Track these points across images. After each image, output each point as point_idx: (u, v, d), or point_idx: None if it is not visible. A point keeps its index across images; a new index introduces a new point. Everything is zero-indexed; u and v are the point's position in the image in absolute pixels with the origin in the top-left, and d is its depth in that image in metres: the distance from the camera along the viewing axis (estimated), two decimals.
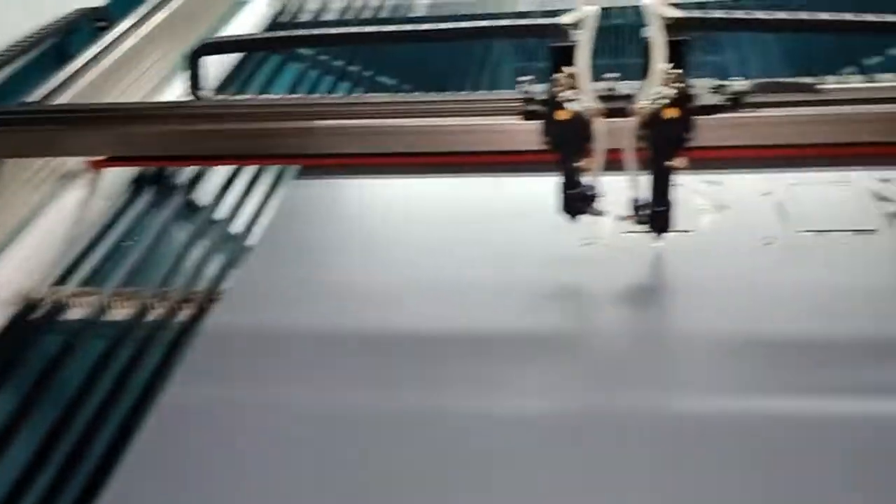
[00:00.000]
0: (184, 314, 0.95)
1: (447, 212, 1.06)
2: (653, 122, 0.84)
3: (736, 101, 0.88)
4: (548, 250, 0.96)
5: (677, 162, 0.86)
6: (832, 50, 1.40)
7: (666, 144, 0.86)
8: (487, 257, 0.97)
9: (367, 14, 1.80)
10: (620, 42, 1.46)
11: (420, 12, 1.82)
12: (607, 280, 0.92)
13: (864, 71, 1.26)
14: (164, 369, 0.87)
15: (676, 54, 0.85)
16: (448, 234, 1.01)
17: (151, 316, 0.96)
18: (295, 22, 1.77)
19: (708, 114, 0.87)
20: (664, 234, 0.92)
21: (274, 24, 1.74)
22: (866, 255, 0.91)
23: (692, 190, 1.03)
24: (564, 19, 0.88)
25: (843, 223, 0.95)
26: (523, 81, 0.90)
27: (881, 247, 0.91)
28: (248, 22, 1.71)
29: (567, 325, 0.88)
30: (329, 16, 1.81)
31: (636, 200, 0.90)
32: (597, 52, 0.84)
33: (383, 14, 1.80)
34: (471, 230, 1.01)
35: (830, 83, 0.92)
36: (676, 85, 0.82)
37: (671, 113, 0.83)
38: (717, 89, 0.89)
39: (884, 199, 0.97)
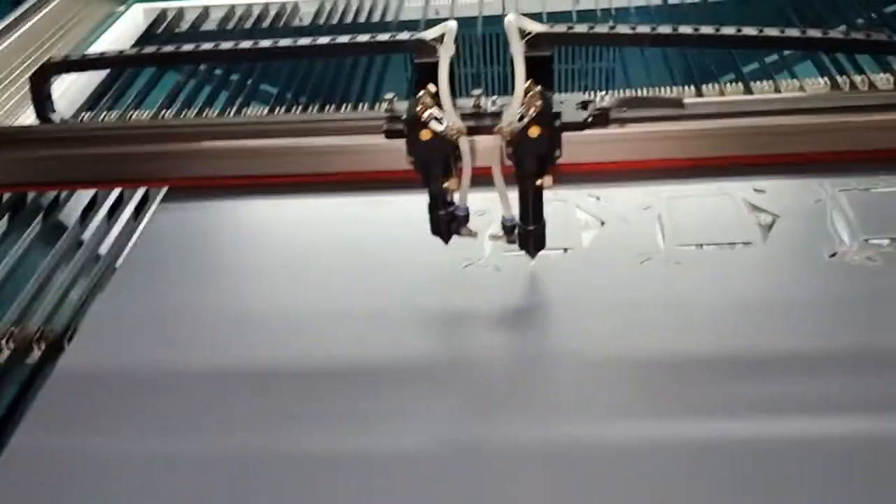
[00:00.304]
0: (36, 352, 0.89)
1: (322, 233, 1.02)
2: (517, 141, 0.82)
3: (601, 118, 0.87)
4: (427, 273, 0.94)
5: (545, 180, 0.85)
6: (720, 56, 1.42)
7: (532, 163, 0.84)
8: (365, 282, 0.94)
9: (247, 23, 1.75)
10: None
11: (307, 19, 1.78)
12: (488, 303, 0.90)
13: (744, 77, 1.28)
14: (14, 414, 0.81)
15: (540, 70, 0.84)
16: (323, 257, 0.98)
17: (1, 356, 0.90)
18: (169, 34, 1.70)
19: (573, 131, 0.86)
20: (541, 254, 0.91)
21: (146, 37, 1.68)
22: (742, 268, 0.91)
23: (574, 205, 1.02)
24: (428, 34, 0.85)
25: (720, 236, 0.96)
26: (388, 99, 0.87)
27: (756, 260, 0.92)
28: (121, 34, 1.64)
29: (446, 353, 0.86)
30: (208, 26, 1.76)
31: (507, 220, 0.89)
32: (489, 60, 0.83)
33: (265, 23, 1.75)
34: (347, 252, 0.98)
35: (700, 96, 0.93)
36: (538, 104, 0.81)
37: (534, 132, 0.81)
38: (583, 105, 0.88)
39: (758, 209, 0.99)
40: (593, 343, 0.84)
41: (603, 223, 1.00)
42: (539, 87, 0.82)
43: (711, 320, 0.85)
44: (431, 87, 0.83)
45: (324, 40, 0.89)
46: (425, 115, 0.82)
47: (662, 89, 1.22)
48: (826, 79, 1.22)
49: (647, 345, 0.83)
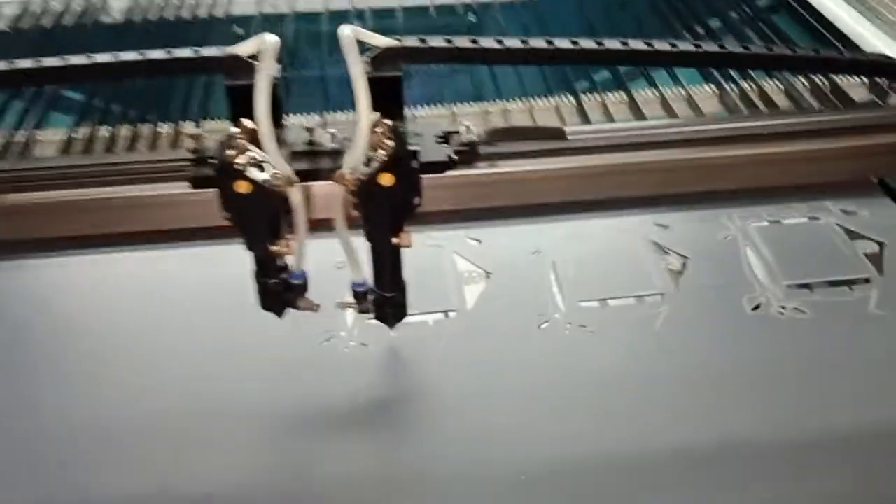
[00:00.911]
0: None
1: (137, 297, 0.81)
2: (365, 192, 0.64)
3: (468, 154, 0.70)
4: (272, 352, 0.75)
5: (403, 239, 0.67)
6: None
7: (385, 217, 0.66)
8: (195, 363, 0.74)
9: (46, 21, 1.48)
10: None
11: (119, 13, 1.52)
12: (348, 396, 0.73)
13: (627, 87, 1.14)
14: None
15: (388, 95, 0.66)
16: (140, 329, 0.78)
17: None
18: None
19: (435, 173, 0.69)
20: (417, 320, 0.74)
21: None
22: (657, 333, 0.77)
23: (451, 251, 0.85)
24: (241, 48, 0.65)
25: (626, 288, 0.81)
26: (192, 134, 0.67)
27: (671, 319, 0.78)
28: None
29: (281, 479, 0.68)
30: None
31: (358, 284, 0.70)
32: (338, 63, 0.64)
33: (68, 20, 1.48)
34: (170, 323, 0.78)
35: (581, 112, 0.77)
36: (389, 143, 0.62)
37: (386, 180, 0.63)
38: (444, 139, 0.70)
39: (664, 251, 0.84)
40: (486, 452, 0.67)
41: (489, 275, 0.83)
42: (389, 121, 0.64)
43: (631, 407, 0.70)
44: (248, 123, 0.63)
45: (105, 58, 0.67)
46: (240, 160, 0.62)
47: (536, 101, 1.07)
48: (712, 86, 1.09)
49: (557, 448, 0.67)
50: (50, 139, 1.03)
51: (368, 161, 0.63)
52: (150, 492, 0.65)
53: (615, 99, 1.08)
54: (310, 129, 0.68)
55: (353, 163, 0.63)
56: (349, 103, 0.65)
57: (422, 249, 0.79)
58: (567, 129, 0.71)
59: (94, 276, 0.82)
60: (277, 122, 0.70)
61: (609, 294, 0.80)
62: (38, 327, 0.79)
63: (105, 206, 0.68)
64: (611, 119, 1.08)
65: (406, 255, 0.70)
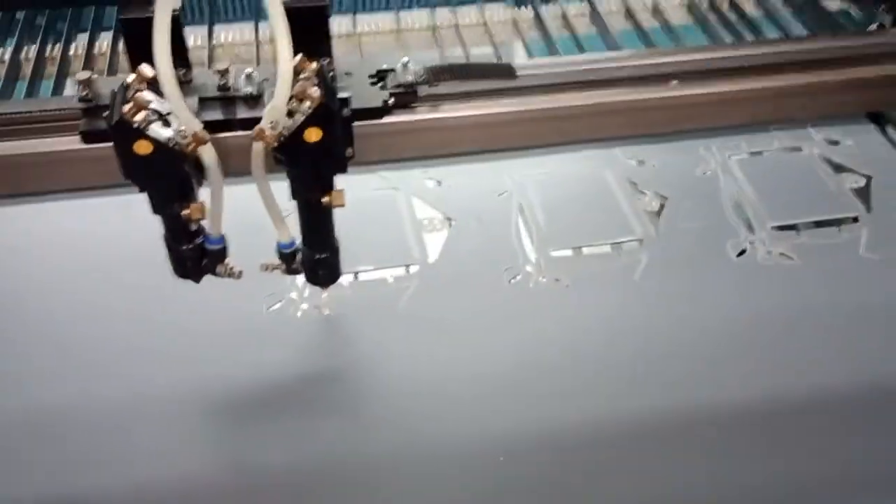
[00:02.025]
0: None
1: (67, 254, 0.73)
2: (289, 148, 0.55)
3: (406, 97, 0.61)
4: (216, 319, 0.69)
5: (333, 197, 0.59)
6: None
7: (313, 175, 0.58)
8: (114, 335, 0.67)
9: None
10: None
11: None
12: (302, 362, 0.67)
13: None
14: None
15: (312, 28, 0.56)
16: (44, 294, 0.69)
17: None
18: None
19: (369, 119, 0.60)
20: (377, 277, 0.69)
21: None
22: (636, 283, 0.71)
23: (409, 195, 0.78)
24: None
25: (600, 233, 0.74)
26: (83, 79, 0.57)
27: (651, 266, 0.71)
28: None
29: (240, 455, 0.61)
30: None
31: (284, 245, 0.63)
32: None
33: None
34: (80, 286, 0.70)
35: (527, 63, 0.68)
36: (314, 92, 0.53)
37: (313, 135, 0.55)
38: (378, 78, 0.61)
39: (639, 190, 0.77)
40: (456, 426, 0.61)
41: (451, 221, 0.76)
42: (314, 64, 0.55)
43: (612, 370, 0.64)
44: (146, 70, 0.53)
45: None
46: (139, 116, 0.52)
47: (490, 10, 0.96)
48: None
49: (534, 420, 0.61)
50: None
51: (291, 113, 0.54)
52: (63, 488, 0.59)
53: (576, 11, 0.98)
54: (222, 72, 0.58)
55: (274, 115, 0.54)
56: None
57: (375, 193, 0.74)
58: (517, 64, 0.62)
59: None
60: (182, 62, 0.61)
61: (583, 241, 0.73)
62: None
63: None
64: (572, 31, 0.99)
65: (358, 200, 0.62)
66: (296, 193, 0.59)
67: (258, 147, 0.55)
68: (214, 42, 1.00)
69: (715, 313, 0.68)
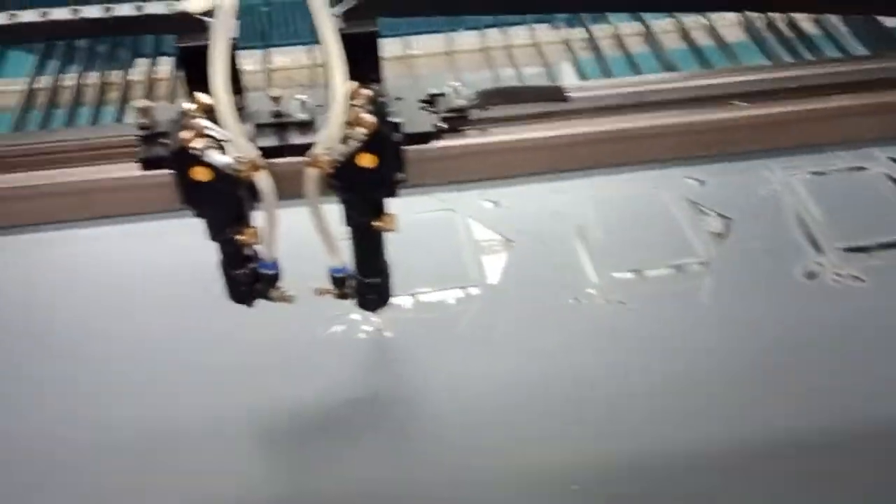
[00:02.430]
0: None
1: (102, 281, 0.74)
2: (343, 174, 0.56)
3: (457, 122, 0.61)
4: (277, 340, 0.69)
5: (385, 221, 0.59)
6: None
7: (365, 200, 0.58)
8: (178, 356, 0.68)
9: None
10: None
11: None
12: (364, 385, 0.67)
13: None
14: None
15: (363, 54, 0.57)
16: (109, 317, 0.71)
17: None
18: None
19: (420, 143, 0.60)
20: (435, 300, 0.70)
21: None
22: (703, 308, 0.70)
23: (466, 216, 0.78)
24: (191, 4, 0.56)
25: (664, 255, 0.73)
26: (143, 107, 0.58)
27: (718, 291, 0.70)
28: None
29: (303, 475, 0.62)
30: None
31: (337, 270, 0.63)
32: None
33: None
34: (144, 309, 0.71)
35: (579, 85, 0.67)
36: (368, 118, 0.54)
37: (367, 161, 0.55)
38: (428, 103, 0.61)
39: (703, 210, 0.76)
40: (524, 455, 0.60)
41: (509, 243, 0.75)
42: (367, 91, 0.55)
43: (677, 401, 0.63)
44: (204, 98, 0.54)
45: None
46: (197, 143, 0.53)
47: (541, 32, 0.96)
48: (740, 16, 0.98)
49: (603, 449, 0.60)
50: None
51: (345, 139, 0.55)
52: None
53: (630, 30, 0.98)
54: (275, 98, 0.59)
55: (329, 142, 0.55)
56: None
57: (433, 215, 0.74)
58: (567, 87, 0.62)
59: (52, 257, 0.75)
60: (236, 88, 0.62)
61: (645, 263, 0.72)
62: None
63: (41, 192, 0.60)
64: (626, 52, 0.98)
65: (416, 222, 0.64)
66: (349, 219, 0.59)
67: (313, 173, 0.56)
68: (268, 65, 1.02)
69: (784, 336, 0.66)
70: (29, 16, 0.61)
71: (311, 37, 1.04)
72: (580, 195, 0.78)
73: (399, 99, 0.62)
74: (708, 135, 0.63)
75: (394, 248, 0.62)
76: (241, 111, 0.60)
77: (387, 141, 0.54)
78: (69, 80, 0.98)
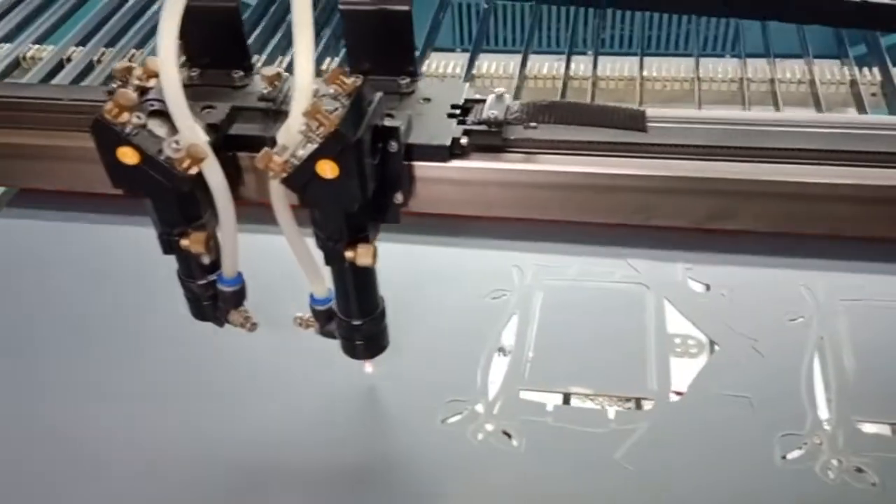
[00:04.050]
0: None
1: None
2: (305, 184, 0.43)
3: (489, 136, 0.46)
4: (387, 433, 0.54)
5: (359, 253, 0.45)
6: None
7: (332, 220, 0.45)
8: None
9: None
10: None
11: None
12: None
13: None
14: None
15: (395, 43, 0.44)
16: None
17: None
18: None
19: (433, 160, 0.45)
20: (600, 413, 0.52)
21: None
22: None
23: (664, 295, 0.58)
24: None
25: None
26: (121, 67, 0.48)
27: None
28: None
29: None
30: None
31: (318, 301, 0.50)
32: None
33: None
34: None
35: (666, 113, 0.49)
36: (330, 111, 0.40)
37: (325, 170, 0.41)
38: (462, 112, 0.47)
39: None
40: None
41: (713, 347, 0.55)
42: (354, 78, 0.42)
43: None
44: (152, 60, 0.44)
45: None
46: (122, 117, 0.43)
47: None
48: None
49: None
50: None
51: (307, 138, 0.42)
52: None
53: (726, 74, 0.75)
54: (271, 78, 0.47)
55: (284, 139, 0.42)
56: None
57: (617, 286, 0.56)
58: (651, 113, 0.45)
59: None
60: (239, 62, 0.51)
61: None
62: None
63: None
64: None
65: (593, 293, 0.50)
66: (317, 240, 0.46)
67: (273, 176, 0.43)
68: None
69: None
70: None
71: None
72: (833, 294, 0.57)
73: (426, 100, 0.48)
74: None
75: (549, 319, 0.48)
76: (233, 90, 0.50)
77: (348, 145, 0.41)
78: None
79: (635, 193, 0.45)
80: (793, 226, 0.45)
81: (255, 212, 0.48)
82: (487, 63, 0.85)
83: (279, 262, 0.48)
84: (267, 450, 0.53)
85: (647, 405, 0.52)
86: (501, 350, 0.56)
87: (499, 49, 1.14)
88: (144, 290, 0.64)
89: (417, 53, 0.85)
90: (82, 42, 0.86)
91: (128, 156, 0.43)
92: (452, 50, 1.04)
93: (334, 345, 0.51)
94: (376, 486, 0.50)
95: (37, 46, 0.87)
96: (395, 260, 0.51)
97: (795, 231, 0.45)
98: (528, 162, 0.45)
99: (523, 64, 0.82)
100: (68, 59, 0.84)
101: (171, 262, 0.49)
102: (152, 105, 0.44)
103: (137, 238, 0.61)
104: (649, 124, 0.45)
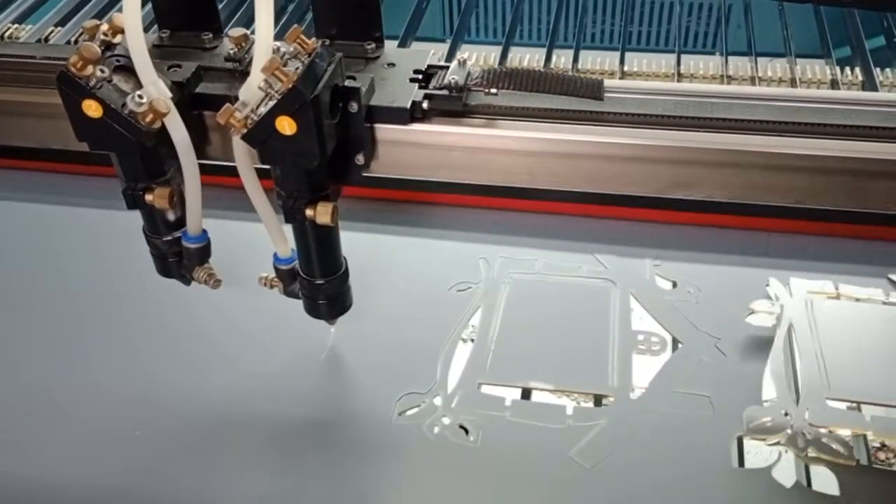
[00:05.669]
0: None
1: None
2: (266, 141, 0.43)
3: (449, 101, 0.46)
4: (343, 427, 0.53)
5: (318, 211, 0.46)
6: None
7: (291, 179, 0.46)
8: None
9: None
10: None
11: None
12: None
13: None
14: None
15: (361, 9, 0.44)
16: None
17: None
18: None
19: (394, 122, 0.46)
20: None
21: None
22: None
23: (630, 290, 0.59)
24: None
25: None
26: (90, 26, 0.49)
27: None
28: None
29: None
30: None
31: (281, 261, 0.51)
32: None
33: None
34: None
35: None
36: (289, 69, 0.41)
37: (284, 126, 0.42)
38: (425, 76, 0.47)
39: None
40: None
41: (677, 345, 0.56)
42: (316, 40, 0.42)
43: None
44: (118, 17, 0.44)
45: None
46: (86, 70, 0.43)
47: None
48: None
49: None
50: None
51: (268, 96, 0.43)
52: None
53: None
54: (238, 39, 0.48)
55: (245, 95, 0.43)
56: None
57: (583, 282, 0.58)
58: (609, 83, 0.45)
59: None
60: (208, 25, 0.52)
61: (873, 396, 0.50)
62: None
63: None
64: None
65: (559, 288, 0.53)
66: (278, 197, 0.47)
67: (235, 133, 0.44)
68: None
69: None
70: None
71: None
72: (803, 289, 0.58)
73: (391, 65, 0.49)
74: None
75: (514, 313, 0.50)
76: (201, 51, 0.51)
77: (305, 104, 0.41)
78: None
79: (592, 160, 0.46)
80: (750, 195, 0.46)
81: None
82: (468, 53, 0.86)
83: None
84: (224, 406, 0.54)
85: (606, 402, 0.53)
86: (463, 342, 0.57)
87: (485, 41, 1.15)
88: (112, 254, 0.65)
89: (398, 41, 0.88)
90: (61, 23, 0.87)
91: (92, 108, 0.45)
92: (442, 40, 1.05)
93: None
94: (325, 475, 0.50)
95: (16, 25, 0.89)
96: (362, 249, 0.52)
97: (752, 202, 0.46)
98: (488, 127, 0.46)
99: (503, 55, 0.83)
100: (47, 39, 0.85)
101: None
102: (118, 60, 0.46)
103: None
104: (607, 94, 0.45)
